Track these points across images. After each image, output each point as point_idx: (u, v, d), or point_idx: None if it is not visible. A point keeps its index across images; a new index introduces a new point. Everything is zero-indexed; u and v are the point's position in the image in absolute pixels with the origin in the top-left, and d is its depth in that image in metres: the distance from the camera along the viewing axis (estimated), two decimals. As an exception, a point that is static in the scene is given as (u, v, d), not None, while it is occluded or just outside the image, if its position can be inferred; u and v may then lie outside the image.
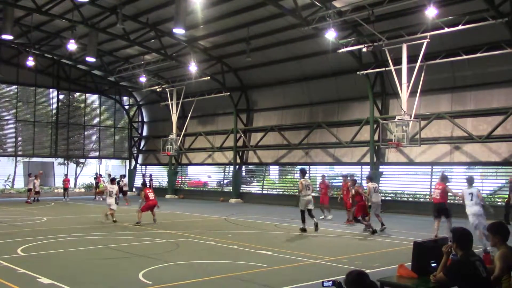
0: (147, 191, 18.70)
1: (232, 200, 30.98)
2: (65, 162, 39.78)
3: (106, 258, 11.15)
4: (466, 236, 5.52)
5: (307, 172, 24.96)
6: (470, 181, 13.27)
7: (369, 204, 16.42)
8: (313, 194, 16.87)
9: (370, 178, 17.61)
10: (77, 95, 39.43)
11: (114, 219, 18.45)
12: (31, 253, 11.60)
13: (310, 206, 15.93)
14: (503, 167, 22.31)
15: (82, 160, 41.63)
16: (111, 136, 40.94)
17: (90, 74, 37.45)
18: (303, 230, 15.93)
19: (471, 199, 12.67)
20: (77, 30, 26.09)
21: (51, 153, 37.37)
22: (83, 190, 38.29)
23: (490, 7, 17.92)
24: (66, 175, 34.94)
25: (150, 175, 35.56)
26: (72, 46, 26.62)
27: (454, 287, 5.53)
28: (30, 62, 29.56)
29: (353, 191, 17.56)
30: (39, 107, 37.16)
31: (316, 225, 15.96)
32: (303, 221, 15.96)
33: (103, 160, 47.99)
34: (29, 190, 29.21)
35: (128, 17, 24.61)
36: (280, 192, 31.01)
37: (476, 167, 23.88)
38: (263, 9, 22.65)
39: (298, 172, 18.86)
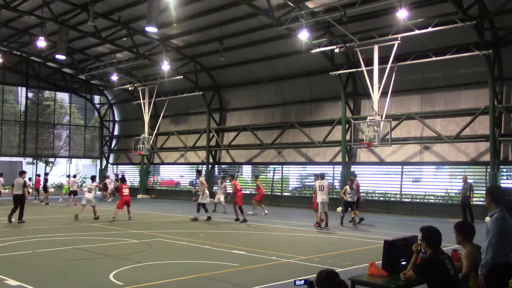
0: (124, 186, 19.55)
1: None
2: (34, 161, 38.98)
3: (76, 259, 10.96)
4: (435, 234, 5.62)
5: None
6: (321, 177, 17.46)
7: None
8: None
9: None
10: (47, 93, 38.72)
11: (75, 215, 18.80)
12: (-2, 255, 11.34)
13: (208, 201, 19.45)
14: (471, 167, 22.82)
15: (51, 159, 40.85)
16: (81, 135, 40.31)
17: (60, 72, 36.80)
18: (209, 218, 19.10)
19: (321, 190, 16.82)
20: (46, 27, 25.59)
21: (20, 152, 36.59)
22: (52, 190, 37.57)
23: (459, 10, 18.32)
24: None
25: (117, 175, 34.74)
26: (41, 43, 26.12)
27: (423, 285, 5.64)
28: (-2, 59, 28.92)
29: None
30: (7, 105, 36.34)
31: (208, 218, 19.13)
32: (206, 211, 19.25)
33: (73, 160, 47.18)
34: None
35: (99, 14, 24.27)
36: (253, 192, 30.99)
37: (445, 166, 24.37)
38: (237, 9, 22.64)
39: (196, 172, 22.42)
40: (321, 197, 16.92)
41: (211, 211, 20.40)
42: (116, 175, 34.31)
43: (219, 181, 24.30)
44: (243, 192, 21.05)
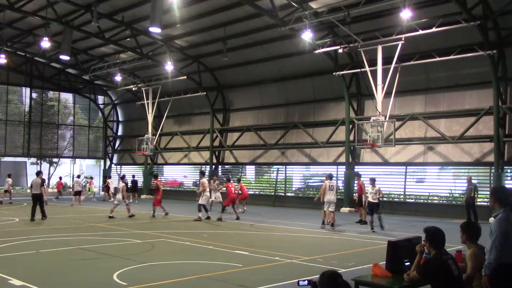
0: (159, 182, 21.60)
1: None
2: (38, 161, 39.07)
3: (80, 259, 10.99)
4: (439, 235, 5.61)
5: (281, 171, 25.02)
6: (330, 177, 17.88)
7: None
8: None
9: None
10: (51, 94, 38.78)
11: (111, 214, 20.06)
12: (2, 255, 11.36)
13: (207, 202, 20.14)
14: (475, 167, 22.75)
15: (55, 159, 40.94)
16: (85, 135, 40.38)
17: (64, 73, 36.88)
18: (208, 218, 19.65)
19: (331, 190, 17.15)
20: (50, 28, 25.64)
21: (24, 153, 36.68)
22: (56, 190, 37.64)
23: (463, 10, 18.27)
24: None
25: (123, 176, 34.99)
26: (45, 44, 26.19)
27: (427, 285, 5.62)
28: (2, 59, 28.89)
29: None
30: (11, 105, 36.44)
31: (208, 217, 19.64)
32: (206, 210, 19.87)
33: (77, 160, 47.29)
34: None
35: (103, 15, 24.33)
36: (256, 192, 31.04)
37: (449, 167, 24.30)
38: (240, 9, 22.63)
39: (199, 173, 23.94)
40: (329, 197, 17.13)
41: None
42: (122, 176, 34.44)
43: (211, 180, 24.37)
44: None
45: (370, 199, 16.94)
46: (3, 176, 31.35)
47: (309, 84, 27.49)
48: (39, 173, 20.68)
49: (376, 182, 17.39)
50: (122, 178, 22.55)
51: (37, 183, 19.65)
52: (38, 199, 19.31)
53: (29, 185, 37.29)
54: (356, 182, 20.68)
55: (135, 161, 39.00)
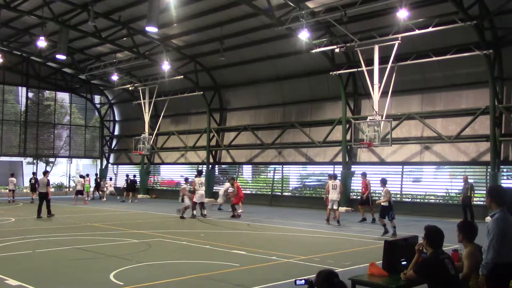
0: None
1: (206, 200, 30.82)
2: (34, 161, 38.97)
3: (76, 259, 10.96)
4: (438, 234, 5.62)
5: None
6: (334, 177, 18.93)
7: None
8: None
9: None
10: (47, 93, 38.65)
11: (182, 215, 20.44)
12: (-1, 255, 11.35)
13: (203, 199, 20.61)
14: (471, 166, 22.80)
15: (52, 159, 40.84)
16: (82, 135, 40.29)
17: (60, 72, 36.78)
18: (194, 216, 20.22)
19: (334, 189, 18.12)
20: (47, 27, 25.57)
21: (20, 152, 36.57)
22: (52, 189, 37.50)
23: (460, 10, 18.30)
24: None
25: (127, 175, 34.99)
26: (42, 43, 26.11)
27: (424, 285, 5.63)
28: (-2, 59, 28.91)
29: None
30: (7, 105, 36.31)
31: (204, 215, 20.23)
32: (198, 209, 20.46)
33: (73, 160, 47.16)
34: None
35: (99, 14, 24.27)
36: (254, 192, 31.03)
37: (445, 166, 24.34)
38: (237, 9, 22.63)
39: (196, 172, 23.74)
40: (332, 196, 18.17)
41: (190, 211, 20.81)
42: (185, 178, 34.39)
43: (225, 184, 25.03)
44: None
45: (382, 202, 16.14)
46: (1, 175, 31.31)
47: (306, 84, 27.50)
48: (45, 173, 21.36)
49: (386, 184, 16.49)
50: (186, 180, 22.88)
51: (44, 182, 20.46)
52: (44, 198, 20.17)
53: (25, 184, 37.42)
54: (361, 181, 20.84)
55: (132, 161, 38.93)
